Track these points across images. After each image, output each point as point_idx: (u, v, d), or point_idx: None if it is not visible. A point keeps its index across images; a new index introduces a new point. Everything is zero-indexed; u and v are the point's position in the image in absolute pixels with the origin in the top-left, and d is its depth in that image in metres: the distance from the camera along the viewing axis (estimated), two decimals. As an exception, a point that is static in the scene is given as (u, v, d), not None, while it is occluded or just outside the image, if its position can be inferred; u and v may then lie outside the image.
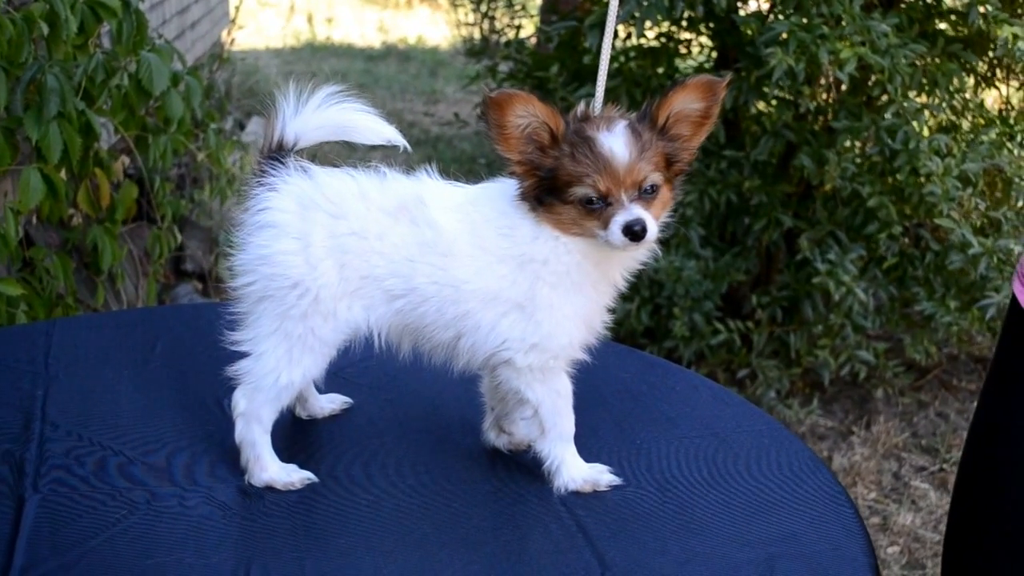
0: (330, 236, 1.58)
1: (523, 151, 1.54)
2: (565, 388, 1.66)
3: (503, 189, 1.61)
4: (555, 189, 1.55)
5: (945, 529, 1.89)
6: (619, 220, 1.53)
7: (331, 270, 1.58)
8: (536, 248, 1.58)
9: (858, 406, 4.69)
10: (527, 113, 1.52)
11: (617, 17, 1.85)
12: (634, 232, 1.53)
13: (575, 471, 1.66)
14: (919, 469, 4.33)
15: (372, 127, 1.66)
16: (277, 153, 1.63)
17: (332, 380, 1.81)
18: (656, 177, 1.57)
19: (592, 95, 4.49)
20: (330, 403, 1.87)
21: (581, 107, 1.60)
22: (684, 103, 1.59)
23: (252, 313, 1.62)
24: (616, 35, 4.82)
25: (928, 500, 4.10)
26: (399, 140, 1.67)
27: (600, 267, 1.61)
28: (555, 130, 1.53)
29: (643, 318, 4.61)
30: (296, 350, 1.60)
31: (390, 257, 1.59)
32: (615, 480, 1.67)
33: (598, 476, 1.67)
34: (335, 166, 1.66)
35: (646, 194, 1.56)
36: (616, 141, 1.54)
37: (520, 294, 1.59)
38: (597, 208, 1.54)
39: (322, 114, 1.63)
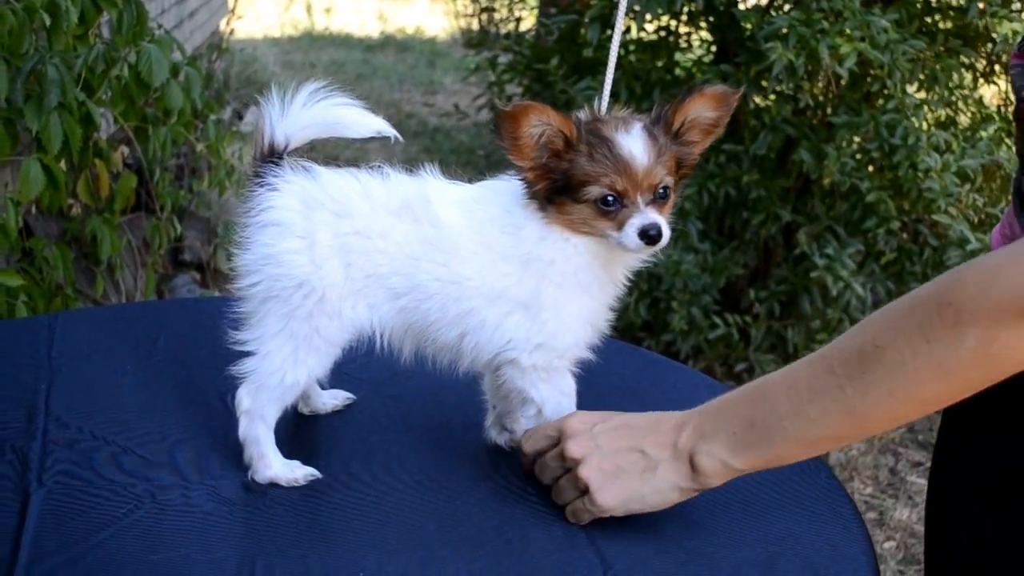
0: (335, 235, 1.58)
1: (536, 158, 1.54)
2: (569, 387, 1.67)
3: (507, 186, 1.61)
4: (568, 189, 1.54)
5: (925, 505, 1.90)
6: (635, 223, 1.54)
7: (336, 269, 1.59)
8: (543, 248, 1.58)
9: (854, 401, 4.70)
10: (541, 122, 1.51)
11: (625, 13, 1.86)
12: (650, 236, 1.54)
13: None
14: (915, 464, 4.35)
15: (360, 120, 1.65)
16: (270, 157, 1.62)
17: (334, 376, 1.81)
18: (669, 180, 1.58)
19: (592, 88, 4.50)
20: (333, 399, 1.88)
21: (588, 109, 1.60)
22: (699, 111, 1.59)
23: (257, 313, 1.62)
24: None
25: (924, 495, 4.12)
26: (389, 130, 1.67)
27: (606, 268, 1.62)
28: (569, 136, 1.53)
29: (641, 312, 4.62)
30: (301, 350, 1.61)
31: (393, 255, 1.59)
32: None
33: None
34: (335, 162, 1.66)
35: (659, 198, 1.57)
36: (635, 143, 1.54)
37: (525, 293, 1.59)
38: (612, 209, 1.54)
39: (309, 112, 1.62)
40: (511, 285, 1.59)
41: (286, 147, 1.63)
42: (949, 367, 1.30)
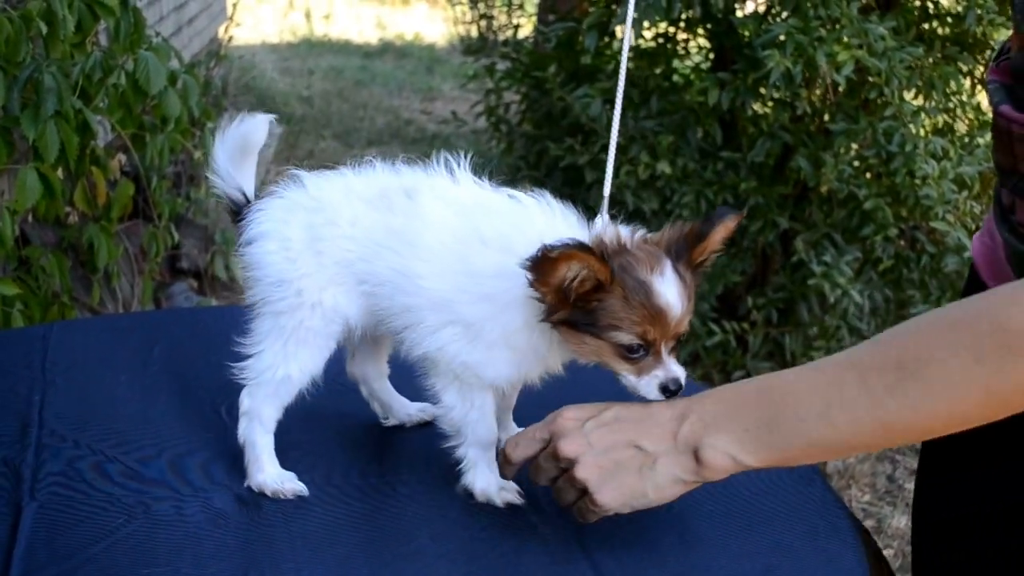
0: (307, 228, 1.61)
1: (560, 289, 1.45)
2: (481, 401, 1.62)
3: (525, 222, 1.52)
4: (591, 324, 1.47)
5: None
6: (658, 376, 1.48)
7: (309, 260, 1.60)
8: (511, 315, 1.52)
9: (853, 408, 4.69)
10: (579, 267, 1.43)
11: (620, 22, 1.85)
12: (670, 391, 1.49)
13: (480, 480, 1.64)
14: (913, 472, 4.34)
15: (251, 126, 1.67)
16: (242, 211, 1.67)
17: (328, 386, 1.81)
18: (689, 326, 1.52)
19: (590, 96, 4.44)
20: (420, 412, 1.86)
21: (605, 233, 1.49)
22: (718, 241, 1.52)
23: (254, 318, 1.65)
24: (613, 36, 4.82)
25: (922, 503, 4.11)
26: (268, 117, 1.68)
27: (560, 356, 1.58)
28: (603, 281, 1.44)
29: (639, 319, 4.61)
30: (291, 344, 1.62)
31: (360, 241, 1.59)
32: (515, 500, 1.63)
33: (496, 494, 1.64)
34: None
35: (679, 343, 1.52)
36: (671, 291, 1.46)
37: (470, 317, 1.55)
38: (636, 356, 1.48)
39: (228, 155, 1.66)
40: (461, 303, 1.54)
41: (246, 196, 1.68)
42: (995, 391, 1.24)
